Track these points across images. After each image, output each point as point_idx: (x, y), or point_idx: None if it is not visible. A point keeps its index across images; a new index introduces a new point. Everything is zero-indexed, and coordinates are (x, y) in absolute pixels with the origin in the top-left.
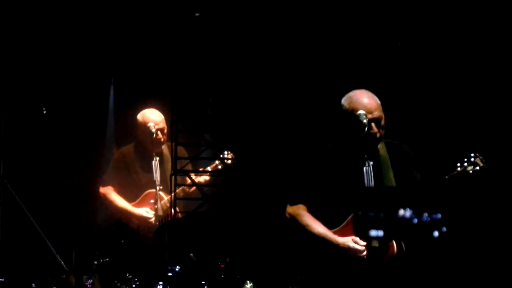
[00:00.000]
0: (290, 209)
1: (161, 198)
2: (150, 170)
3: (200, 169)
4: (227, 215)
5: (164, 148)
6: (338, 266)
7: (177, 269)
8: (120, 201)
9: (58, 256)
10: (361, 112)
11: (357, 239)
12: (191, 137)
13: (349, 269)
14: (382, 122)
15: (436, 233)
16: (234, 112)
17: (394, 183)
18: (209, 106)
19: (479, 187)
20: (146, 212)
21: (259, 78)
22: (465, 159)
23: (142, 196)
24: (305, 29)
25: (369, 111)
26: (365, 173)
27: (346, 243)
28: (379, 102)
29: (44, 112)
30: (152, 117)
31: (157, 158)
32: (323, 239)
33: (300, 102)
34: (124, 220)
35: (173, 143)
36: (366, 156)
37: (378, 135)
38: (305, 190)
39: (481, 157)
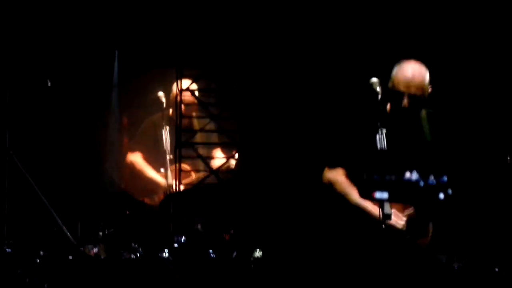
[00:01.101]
0: (329, 174)
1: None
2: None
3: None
4: (232, 187)
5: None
6: (370, 239)
7: (182, 240)
8: (149, 171)
9: (64, 227)
10: (374, 80)
11: (400, 215)
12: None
13: (379, 243)
14: (420, 96)
15: (441, 196)
16: (239, 85)
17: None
18: (214, 79)
19: None
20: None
21: (266, 48)
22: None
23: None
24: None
25: (399, 83)
26: (378, 141)
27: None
28: (421, 80)
29: (49, 84)
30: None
31: (167, 128)
32: (361, 210)
33: (308, 71)
34: (150, 190)
35: (177, 115)
36: (379, 123)
37: (405, 110)
38: (345, 152)
39: None
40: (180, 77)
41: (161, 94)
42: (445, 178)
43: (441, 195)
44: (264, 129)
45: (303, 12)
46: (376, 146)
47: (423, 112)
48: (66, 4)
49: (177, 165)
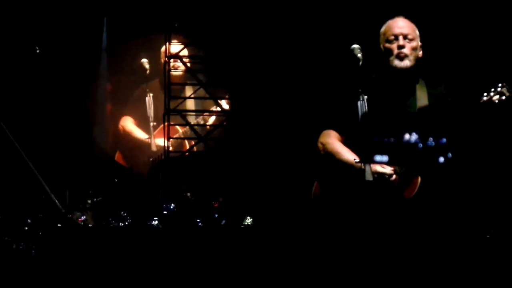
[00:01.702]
0: (322, 138)
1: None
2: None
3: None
4: (221, 154)
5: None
6: (363, 195)
7: (171, 207)
8: (137, 132)
9: (52, 195)
10: (354, 46)
11: (385, 165)
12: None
13: (372, 199)
14: (413, 43)
15: (441, 159)
16: (228, 52)
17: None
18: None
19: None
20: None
21: (256, 15)
22: (492, 89)
23: (160, 127)
24: None
25: (391, 28)
26: (359, 107)
27: (374, 168)
28: (410, 23)
29: (37, 51)
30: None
31: (151, 94)
32: (351, 166)
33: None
34: (139, 152)
35: (166, 82)
36: (360, 90)
37: (402, 52)
38: (338, 115)
39: (507, 86)
40: (169, 43)
41: (144, 60)
42: (444, 140)
43: (441, 159)
44: (253, 96)
45: None
46: (357, 112)
47: (420, 81)
48: None
49: (166, 131)
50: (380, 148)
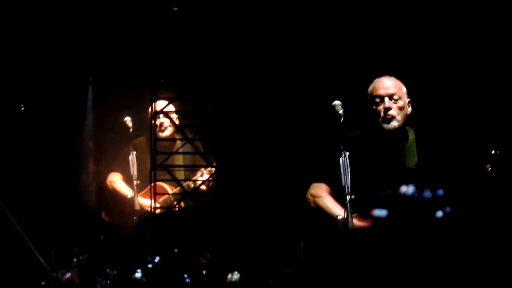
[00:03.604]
0: (312, 190)
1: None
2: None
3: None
4: (208, 210)
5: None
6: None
7: (156, 260)
8: (124, 189)
9: (37, 253)
10: (336, 102)
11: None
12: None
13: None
14: (400, 103)
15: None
16: (214, 106)
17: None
18: (188, 100)
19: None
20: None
21: (238, 71)
22: (486, 157)
23: (148, 187)
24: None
25: (377, 89)
26: (341, 164)
27: (354, 222)
28: (396, 82)
29: (22, 108)
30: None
31: (134, 152)
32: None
33: (282, 95)
34: (126, 209)
35: (152, 138)
36: (342, 146)
37: (389, 114)
38: (326, 167)
39: (501, 156)
40: (155, 99)
41: (127, 119)
42: (442, 192)
43: (439, 213)
44: (239, 151)
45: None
46: (339, 169)
47: (411, 134)
48: (39, 28)
49: (152, 187)
50: (377, 202)
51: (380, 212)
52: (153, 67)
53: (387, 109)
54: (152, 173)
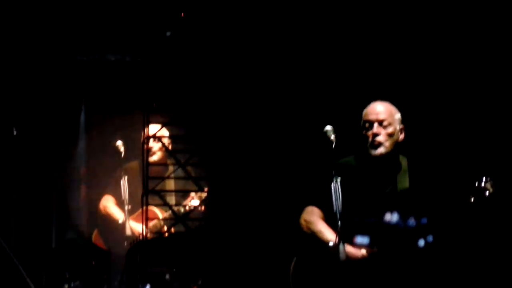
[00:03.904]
0: (305, 215)
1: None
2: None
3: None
4: (199, 235)
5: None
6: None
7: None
8: (117, 213)
9: (28, 280)
10: (327, 128)
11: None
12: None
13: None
14: (389, 129)
15: (421, 242)
16: (206, 131)
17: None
18: (181, 125)
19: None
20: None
21: (234, 95)
22: (476, 183)
23: (139, 211)
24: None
25: (367, 114)
26: (332, 190)
27: (347, 249)
28: (388, 108)
29: (15, 133)
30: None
31: (126, 177)
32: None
33: (274, 120)
34: (118, 233)
35: (144, 163)
36: (333, 172)
37: (376, 140)
38: (319, 192)
39: (492, 182)
40: (147, 123)
41: (119, 143)
42: (425, 220)
43: (421, 242)
44: (232, 176)
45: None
46: (330, 194)
47: (404, 161)
48: (31, 52)
49: (144, 212)
50: (360, 229)
51: (362, 239)
52: (146, 91)
53: (375, 135)
54: (144, 198)
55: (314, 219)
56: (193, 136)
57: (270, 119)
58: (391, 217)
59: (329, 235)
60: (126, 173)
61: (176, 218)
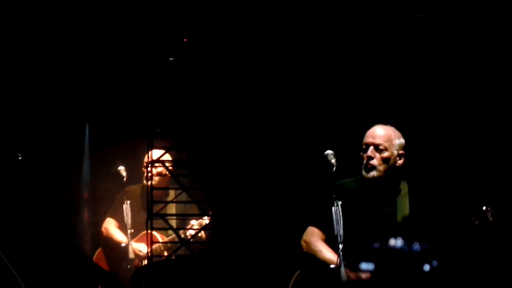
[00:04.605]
0: (305, 236)
1: (144, 242)
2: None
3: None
4: (205, 258)
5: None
6: None
7: None
8: (119, 235)
9: None
10: (328, 152)
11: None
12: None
13: None
14: (385, 154)
15: (426, 267)
16: (210, 155)
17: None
18: (184, 150)
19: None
20: (142, 249)
21: (236, 120)
22: (476, 212)
23: (141, 234)
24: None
25: (366, 137)
26: (333, 213)
27: (348, 273)
28: (387, 133)
29: (20, 158)
30: (151, 155)
31: (128, 202)
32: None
33: (276, 144)
34: (121, 256)
35: (148, 187)
36: (334, 195)
37: (369, 164)
38: (320, 214)
39: (492, 211)
40: (151, 147)
41: (121, 168)
42: (428, 246)
43: (427, 267)
44: (235, 200)
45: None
46: (331, 218)
47: (404, 186)
48: (36, 78)
49: (146, 235)
50: (365, 255)
51: (367, 265)
52: (149, 116)
53: (369, 158)
54: (149, 221)
55: (314, 240)
56: (196, 160)
57: (272, 143)
58: (396, 242)
59: (329, 256)
60: (127, 197)
61: (181, 242)
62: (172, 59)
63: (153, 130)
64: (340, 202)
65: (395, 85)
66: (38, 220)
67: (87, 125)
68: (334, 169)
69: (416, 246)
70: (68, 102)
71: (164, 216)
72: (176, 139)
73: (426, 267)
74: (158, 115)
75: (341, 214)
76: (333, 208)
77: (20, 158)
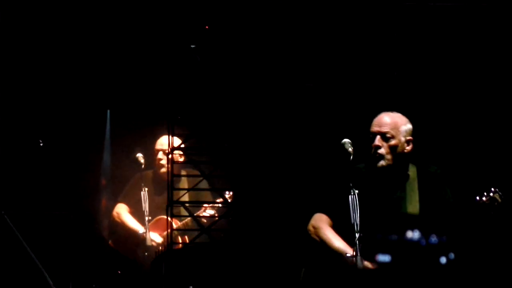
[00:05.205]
0: (313, 221)
1: (156, 228)
2: (160, 195)
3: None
4: (225, 246)
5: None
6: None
7: None
8: (131, 223)
9: None
10: (345, 140)
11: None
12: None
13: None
14: (392, 142)
15: (443, 260)
16: (231, 143)
17: (417, 207)
18: (206, 137)
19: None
20: (155, 239)
21: (256, 108)
22: (484, 193)
23: (154, 220)
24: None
25: (372, 125)
26: (350, 202)
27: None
28: (393, 120)
29: (41, 144)
30: (160, 140)
31: (146, 189)
32: (339, 255)
33: (297, 128)
34: (131, 244)
35: (169, 174)
36: (351, 184)
37: (378, 153)
38: (329, 200)
39: (500, 193)
40: (172, 135)
41: (139, 155)
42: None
43: (443, 259)
44: (255, 187)
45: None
46: (343, 203)
47: (412, 172)
48: (58, 64)
49: (168, 223)
50: (381, 247)
51: (384, 257)
52: (170, 103)
53: (376, 147)
54: (169, 208)
55: (322, 226)
56: (214, 148)
57: (291, 132)
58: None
59: (338, 243)
60: (143, 183)
61: (201, 229)
62: (193, 46)
63: (174, 116)
64: (357, 191)
65: (417, 74)
66: (59, 206)
67: (108, 111)
68: (351, 157)
69: (434, 239)
70: (89, 88)
71: (184, 204)
72: (197, 126)
73: (443, 260)
74: (179, 102)
75: (357, 203)
76: (350, 196)
77: (41, 144)
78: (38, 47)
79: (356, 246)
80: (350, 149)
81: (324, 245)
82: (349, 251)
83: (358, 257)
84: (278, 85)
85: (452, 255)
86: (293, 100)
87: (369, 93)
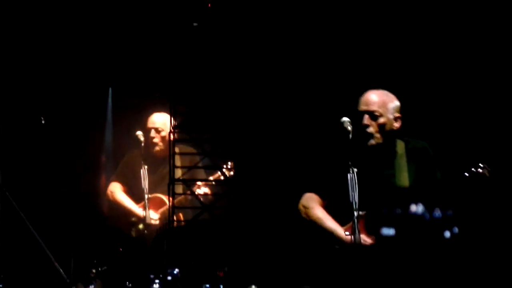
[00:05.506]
0: (304, 201)
1: (151, 206)
2: (154, 173)
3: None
4: (225, 223)
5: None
6: (342, 263)
7: (175, 272)
8: (126, 202)
9: (57, 264)
10: (344, 119)
11: (365, 237)
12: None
13: (352, 266)
14: (381, 120)
15: (447, 234)
16: (233, 121)
17: (407, 182)
18: (208, 115)
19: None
20: (151, 215)
21: (257, 86)
22: (472, 169)
23: (147, 198)
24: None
25: (360, 104)
26: (349, 180)
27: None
28: (380, 98)
29: (43, 121)
30: (151, 118)
31: (145, 167)
32: (331, 234)
33: (300, 108)
34: (128, 222)
35: (170, 153)
36: (350, 163)
37: (366, 132)
38: (320, 179)
39: (488, 169)
40: (174, 114)
41: (139, 133)
42: (451, 212)
43: (447, 233)
44: (257, 166)
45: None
46: (347, 184)
47: (400, 145)
48: (59, 42)
49: (171, 201)
50: (386, 221)
51: (388, 231)
52: (171, 81)
53: (365, 126)
54: (171, 186)
55: (313, 205)
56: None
57: (289, 110)
58: (417, 208)
59: (329, 223)
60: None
61: (203, 207)
62: (196, 24)
63: (175, 95)
64: (356, 170)
65: (419, 54)
66: (60, 183)
67: (110, 89)
68: (350, 136)
69: (438, 213)
70: (91, 65)
71: (187, 181)
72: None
73: (447, 234)
74: (180, 80)
75: (356, 181)
76: (348, 175)
77: (43, 122)
78: (40, 26)
79: (355, 224)
80: (349, 128)
81: (315, 224)
82: (341, 231)
83: (357, 235)
84: (278, 64)
85: (456, 230)
86: (293, 78)
87: (370, 71)
